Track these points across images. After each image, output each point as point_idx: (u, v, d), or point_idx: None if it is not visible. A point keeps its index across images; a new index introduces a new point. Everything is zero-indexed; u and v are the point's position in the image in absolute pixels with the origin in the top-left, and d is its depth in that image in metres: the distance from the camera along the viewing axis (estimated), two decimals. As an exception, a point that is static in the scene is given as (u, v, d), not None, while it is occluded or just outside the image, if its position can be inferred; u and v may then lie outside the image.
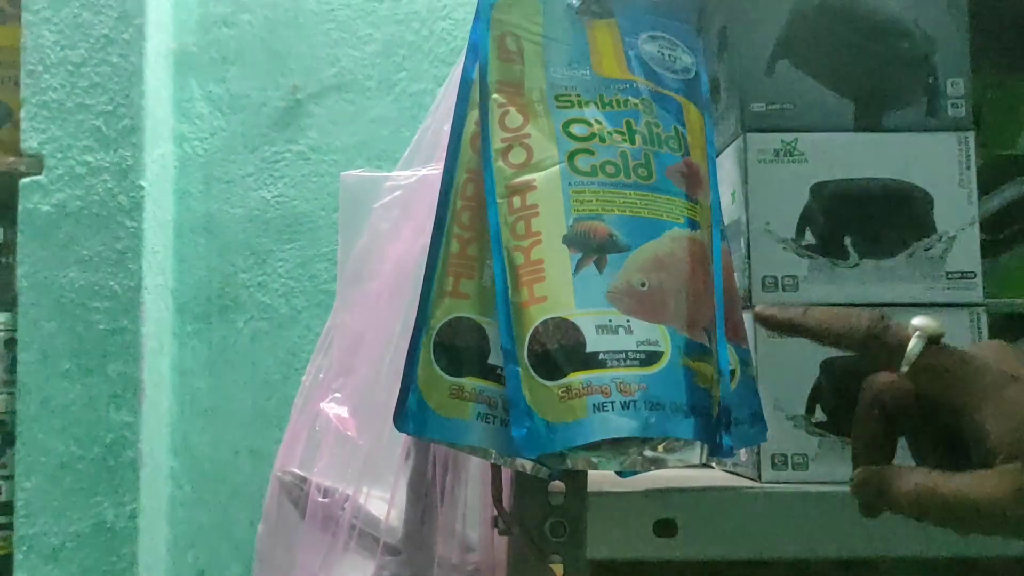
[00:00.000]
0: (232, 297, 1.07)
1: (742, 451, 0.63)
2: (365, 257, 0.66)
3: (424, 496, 0.61)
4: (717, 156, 0.67)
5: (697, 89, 0.58)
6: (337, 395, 0.63)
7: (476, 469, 0.61)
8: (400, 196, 0.65)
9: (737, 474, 0.65)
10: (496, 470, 0.56)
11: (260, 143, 1.09)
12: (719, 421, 0.49)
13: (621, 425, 0.45)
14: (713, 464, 0.71)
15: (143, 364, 0.98)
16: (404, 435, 0.62)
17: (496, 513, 0.57)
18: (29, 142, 0.99)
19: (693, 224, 0.52)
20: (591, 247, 0.49)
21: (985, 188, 0.68)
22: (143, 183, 1.00)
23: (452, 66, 1.10)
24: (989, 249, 0.67)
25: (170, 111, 1.08)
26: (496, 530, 0.60)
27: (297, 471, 0.67)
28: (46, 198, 0.98)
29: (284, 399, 1.05)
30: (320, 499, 0.62)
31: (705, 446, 0.48)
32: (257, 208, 1.08)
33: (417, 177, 0.64)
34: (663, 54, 0.58)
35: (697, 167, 0.54)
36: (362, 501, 0.64)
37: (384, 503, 0.64)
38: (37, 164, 0.99)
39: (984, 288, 0.63)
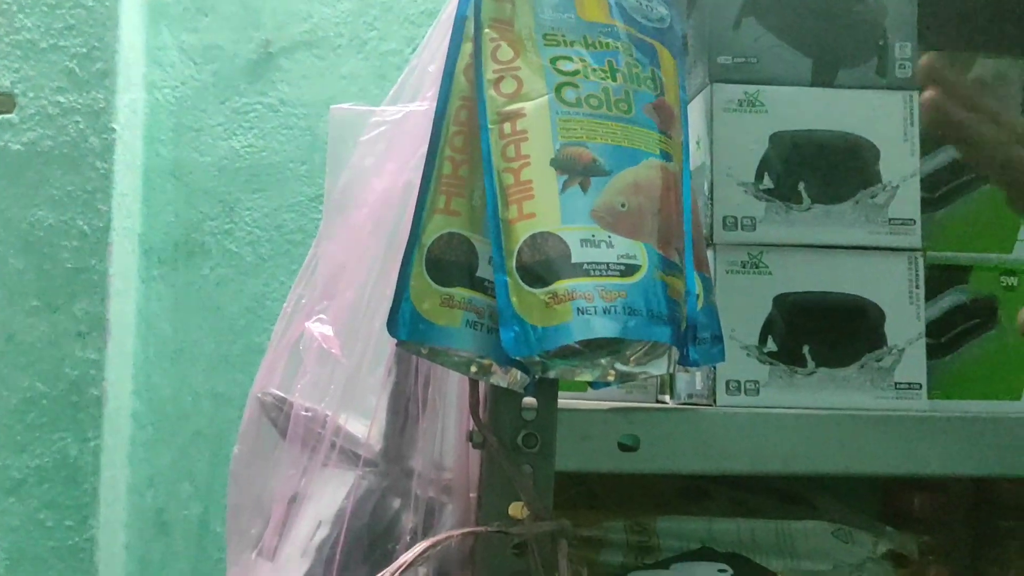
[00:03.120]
0: (199, 243, 1.09)
1: (698, 380, 0.68)
2: (350, 189, 0.69)
3: (404, 410, 0.64)
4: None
5: (672, 37, 0.62)
6: (322, 316, 0.67)
7: (455, 387, 0.65)
8: (385, 131, 0.68)
9: (693, 404, 0.70)
10: (474, 384, 0.60)
11: (231, 94, 1.11)
12: (687, 334, 0.54)
13: (603, 327, 0.50)
14: (668, 400, 0.75)
15: (109, 304, 1.00)
16: (386, 354, 0.66)
17: (472, 427, 0.61)
18: (1, 81, 0.99)
19: (667, 156, 0.57)
20: (576, 170, 0.53)
21: (924, 151, 0.73)
22: (115, 126, 1.01)
23: (421, 27, 1.14)
24: (926, 205, 0.73)
25: (142, 57, 1.09)
26: (471, 444, 0.64)
27: (277, 392, 0.70)
28: (17, 137, 0.99)
29: (248, 345, 1.08)
30: (303, 413, 0.65)
31: (674, 353, 0.53)
32: (226, 157, 1.10)
33: (403, 114, 0.68)
34: (641, 3, 0.62)
35: (671, 107, 0.59)
36: (342, 423, 0.67)
37: (364, 427, 0.67)
38: (9, 103, 0.99)
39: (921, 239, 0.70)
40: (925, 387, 0.66)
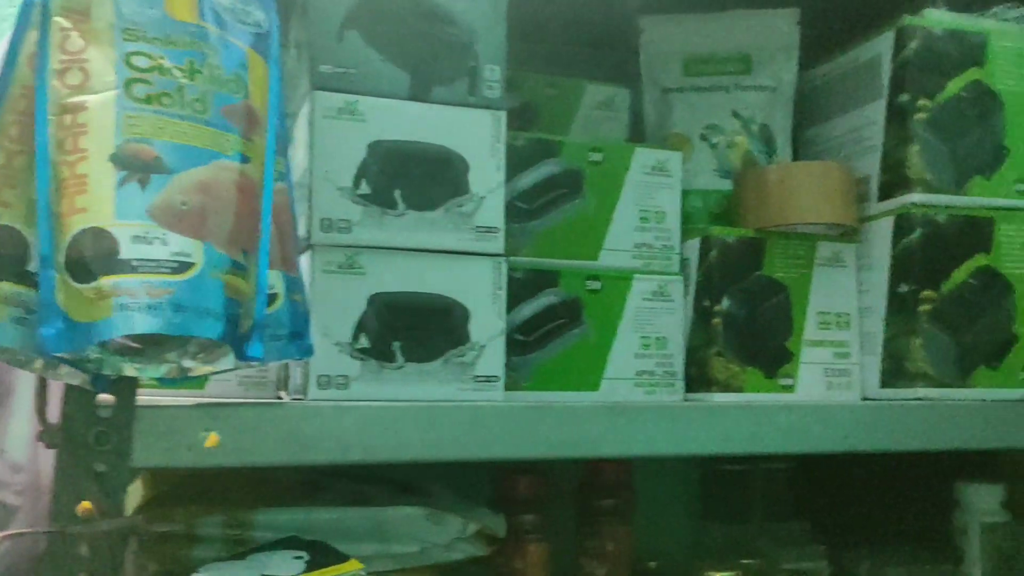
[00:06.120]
0: None
1: (297, 375, 0.71)
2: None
3: (-32, 410, 0.61)
4: (297, 112, 0.74)
5: (267, 44, 0.64)
6: None
7: (26, 386, 0.63)
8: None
9: (295, 398, 0.73)
10: (42, 383, 0.59)
11: None
12: (249, 332, 0.56)
13: (144, 323, 0.50)
14: (284, 396, 0.77)
15: None
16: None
17: (41, 427, 0.59)
18: None
19: (245, 159, 0.58)
20: (136, 166, 0.53)
21: (524, 165, 0.81)
22: None
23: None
24: (524, 216, 0.81)
25: None
26: (43, 444, 0.62)
27: None
28: None
29: None
30: None
31: (232, 351, 0.55)
32: None
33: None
34: (235, 8, 0.63)
35: (256, 111, 0.61)
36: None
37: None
38: None
39: (514, 247, 0.77)
40: (503, 380, 0.72)
